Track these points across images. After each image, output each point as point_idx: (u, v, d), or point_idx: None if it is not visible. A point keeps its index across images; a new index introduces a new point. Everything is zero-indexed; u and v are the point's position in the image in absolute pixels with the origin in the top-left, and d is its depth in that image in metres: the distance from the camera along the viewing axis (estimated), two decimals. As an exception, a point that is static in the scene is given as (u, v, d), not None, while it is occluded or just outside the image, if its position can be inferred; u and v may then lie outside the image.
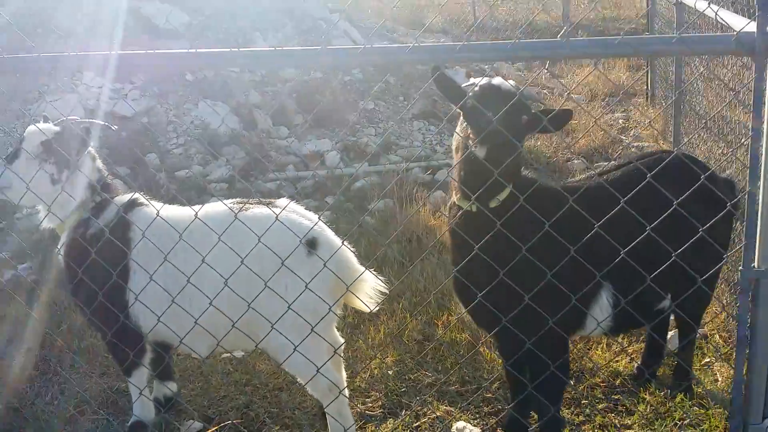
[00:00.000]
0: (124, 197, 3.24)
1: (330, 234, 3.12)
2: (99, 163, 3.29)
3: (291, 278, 2.82)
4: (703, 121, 5.97)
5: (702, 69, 6.16)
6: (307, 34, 10.63)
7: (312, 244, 2.97)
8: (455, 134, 2.73)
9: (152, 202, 3.28)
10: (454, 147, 2.76)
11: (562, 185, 2.99)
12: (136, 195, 3.27)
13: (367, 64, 2.35)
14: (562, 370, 2.78)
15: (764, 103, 2.01)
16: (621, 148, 7.66)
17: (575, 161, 7.29)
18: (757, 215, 2.15)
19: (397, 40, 12.33)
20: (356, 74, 9.85)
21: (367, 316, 3.96)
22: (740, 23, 2.31)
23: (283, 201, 3.19)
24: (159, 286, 2.92)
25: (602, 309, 2.82)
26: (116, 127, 3.28)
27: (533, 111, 2.62)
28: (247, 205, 3.09)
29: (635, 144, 7.82)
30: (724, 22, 2.99)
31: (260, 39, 10.16)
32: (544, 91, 10.12)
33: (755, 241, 2.17)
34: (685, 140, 6.23)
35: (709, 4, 4.46)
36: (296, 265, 2.87)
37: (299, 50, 2.39)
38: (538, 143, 7.64)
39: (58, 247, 3.20)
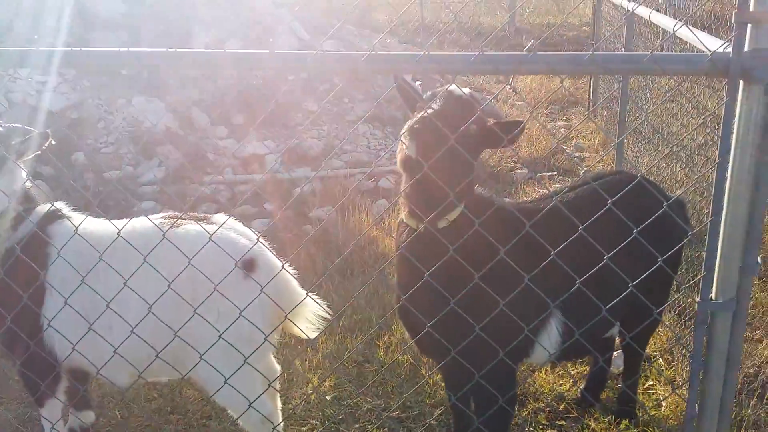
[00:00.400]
0: (43, 208, 2.93)
1: (270, 255, 2.91)
2: (19, 173, 2.96)
3: (224, 304, 2.61)
4: (639, 133, 6.02)
5: (643, 81, 6.21)
6: (250, 28, 10.29)
7: (249, 265, 2.76)
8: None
9: (74, 214, 2.98)
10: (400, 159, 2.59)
11: (517, 206, 2.85)
12: (56, 206, 2.96)
13: (324, 71, 2.15)
14: (509, 402, 2.66)
15: (733, 130, 1.91)
16: (564, 158, 7.68)
17: (519, 171, 7.26)
18: (717, 245, 2.06)
19: (345, 39, 12.11)
20: (303, 74, 9.60)
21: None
22: (707, 40, 2.22)
23: (219, 217, 2.96)
24: (76, 310, 2.65)
25: (551, 338, 2.71)
26: (53, 142, 2.98)
27: (487, 122, 2.47)
28: (179, 221, 2.85)
29: (577, 154, 7.86)
30: (691, 38, 2.92)
31: (201, 32, 9.78)
32: (488, 96, 10.10)
33: (713, 273, 2.08)
34: (628, 153, 6.27)
35: (680, 20, 4.44)
36: (231, 289, 2.65)
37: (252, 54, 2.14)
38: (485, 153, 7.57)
39: None
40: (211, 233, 2.54)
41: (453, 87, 2.43)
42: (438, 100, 2.34)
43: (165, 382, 3.56)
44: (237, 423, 2.92)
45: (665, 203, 2.11)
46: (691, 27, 2.44)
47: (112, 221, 2.93)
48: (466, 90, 2.50)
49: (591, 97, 9.31)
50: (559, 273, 2.41)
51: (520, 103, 10.32)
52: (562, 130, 8.97)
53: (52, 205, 2.96)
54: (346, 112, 8.94)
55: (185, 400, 3.48)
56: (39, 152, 2.94)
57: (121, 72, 8.47)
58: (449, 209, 2.41)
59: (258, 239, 2.60)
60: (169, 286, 2.45)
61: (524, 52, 2.05)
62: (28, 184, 2.97)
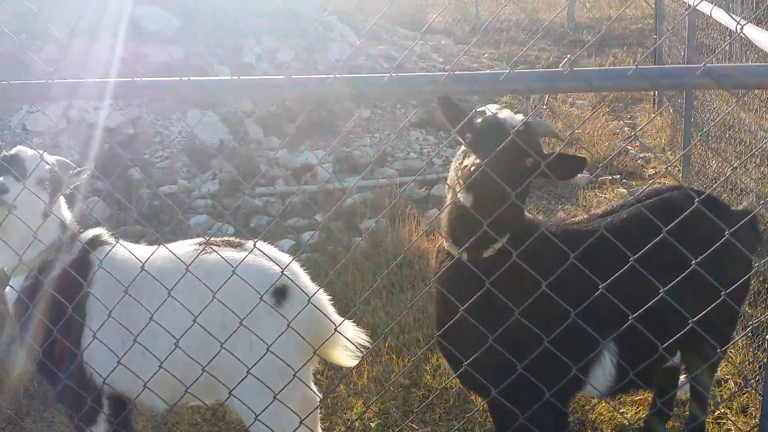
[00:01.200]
0: (88, 234, 2.93)
1: (304, 280, 2.80)
2: (64, 203, 2.99)
3: (258, 333, 2.51)
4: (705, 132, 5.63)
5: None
6: (302, 38, 10.29)
7: (281, 293, 2.65)
8: (451, 169, 2.40)
9: (116, 240, 2.95)
10: (447, 184, 2.43)
11: (568, 229, 2.64)
12: (100, 231, 2.96)
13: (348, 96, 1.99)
14: None
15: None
16: (628, 160, 7.31)
17: (579, 175, 6.93)
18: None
19: (396, 42, 11.99)
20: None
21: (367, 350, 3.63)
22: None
23: (251, 243, 2.86)
24: (118, 330, 2.60)
25: (605, 371, 2.49)
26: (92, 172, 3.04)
27: (544, 153, 2.27)
28: (213, 246, 2.76)
29: (642, 155, 7.47)
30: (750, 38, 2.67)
31: (253, 43, 9.85)
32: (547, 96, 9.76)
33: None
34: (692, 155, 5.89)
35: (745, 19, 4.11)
36: (263, 319, 2.56)
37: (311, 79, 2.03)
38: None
39: (12, 288, 2.84)
40: (241, 261, 2.45)
41: (505, 116, 2.25)
42: (491, 135, 2.15)
43: (210, 407, 3.51)
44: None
45: (727, 231, 1.84)
46: (743, 22, 2.15)
47: (161, 244, 2.84)
48: (519, 117, 2.31)
49: (656, 93, 8.87)
50: (613, 303, 2.21)
51: (581, 101, 9.95)
52: (625, 129, 8.57)
53: (96, 231, 2.97)
54: (399, 118, 8.81)
55: (228, 425, 3.41)
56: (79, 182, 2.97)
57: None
58: (495, 238, 2.25)
59: (284, 269, 2.43)
60: (194, 320, 2.36)
61: (560, 68, 1.86)
62: (69, 213, 2.98)
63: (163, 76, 2.13)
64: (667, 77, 1.82)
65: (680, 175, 6.18)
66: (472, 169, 2.10)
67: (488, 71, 2.11)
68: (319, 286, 2.70)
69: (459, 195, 2.18)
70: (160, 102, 8.16)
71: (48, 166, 2.78)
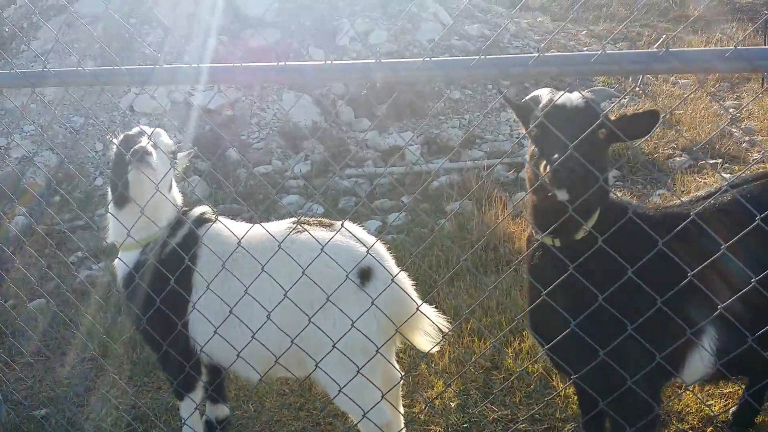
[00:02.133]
0: (195, 211, 3.13)
1: (388, 262, 2.88)
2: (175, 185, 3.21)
3: (341, 312, 2.62)
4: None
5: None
6: (395, 18, 10.33)
7: (366, 275, 2.75)
8: (528, 155, 2.40)
9: (219, 218, 3.13)
10: (527, 173, 2.43)
11: (661, 211, 2.59)
12: (205, 209, 3.16)
13: (419, 80, 2.04)
14: (650, 424, 2.42)
15: None
16: (732, 143, 6.93)
17: (678, 158, 6.66)
18: None
19: (490, 21, 11.81)
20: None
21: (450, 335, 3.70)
22: None
23: (345, 223, 2.97)
24: (219, 302, 2.78)
25: (702, 357, 2.43)
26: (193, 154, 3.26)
27: (612, 119, 2.24)
28: (305, 226, 2.89)
29: (746, 138, 7.06)
30: None
31: (347, 25, 9.98)
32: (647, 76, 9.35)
33: None
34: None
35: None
36: (347, 298, 2.67)
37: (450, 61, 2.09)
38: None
39: (123, 261, 3.06)
40: (328, 240, 2.56)
41: (563, 100, 2.22)
42: (557, 125, 2.13)
43: (297, 378, 3.69)
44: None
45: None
46: None
47: (258, 223, 2.98)
48: (584, 95, 2.27)
49: (766, 72, 8.32)
50: (713, 286, 2.17)
51: (683, 80, 9.48)
52: (731, 110, 8.10)
53: (202, 209, 3.17)
54: (489, 99, 8.72)
55: (314, 396, 3.57)
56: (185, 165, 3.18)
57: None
58: (586, 217, 2.24)
59: (368, 249, 2.52)
60: (285, 294, 2.49)
61: (655, 49, 1.81)
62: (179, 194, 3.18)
63: (261, 60, 2.23)
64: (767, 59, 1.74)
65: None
66: (555, 166, 2.07)
67: (579, 52, 2.08)
68: (403, 267, 2.78)
69: (556, 193, 2.15)
70: (258, 85, 8.45)
71: (173, 146, 3.00)
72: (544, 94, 2.32)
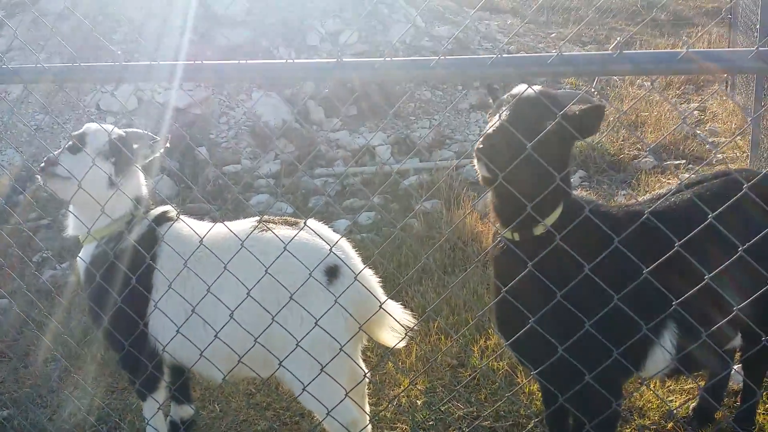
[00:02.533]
0: (157, 210, 3.09)
1: (354, 260, 2.90)
2: (142, 177, 3.15)
3: (309, 309, 2.62)
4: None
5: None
6: (366, 19, 10.34)
7: (332, 272, 2.75)
8: None
9: (181, 217, 3.10)
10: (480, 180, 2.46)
11: (622, 208, 2.65)
12: (167, 208, 3.13)
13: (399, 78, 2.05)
14: (611, 418, 2.47)
15: None
16: (696, 144, 7.07)
17: (643, 159, 6.78)
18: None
19: (461, 23, 11.88)
20: (414, 61, 9.52)
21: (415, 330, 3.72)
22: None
23: (310, 222, 2.96)
24: (181, 301, 2.76)
25: (663, 352, 2.49)
26: (168, 145, 3.18)
27: (560, 113, 2.28)
28: (269, 225, 2.88)
29: (711, 139, 7.22)
30: None
31: (318, 24, 9.97)
32: (614, 78, 9.49)
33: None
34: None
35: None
36: (314, 295, 2.67)
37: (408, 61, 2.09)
38: (603, 138, 7.14)
39: (81, 257, 3.04)
40: (292, 238, 2.57)
41: (517, 89, 2.26)
42: (504, 109, 2.18)
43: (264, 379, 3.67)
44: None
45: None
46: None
47: (221, 222, 2.96)
48: (536, 87, 2.31)
49: (727, 75, 8.50)
50: (673, 280, 2.22)
51: (648, 83, 9.65)
52: (695, 112, 8.27)
53: (164, 208, 3.12)
54: (459, 100, 8.78)
55: (281, 396, 3.56)
56: (156, 156, 3.12)
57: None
58: (545, 213, 2.26)
59: (332, 246, 2.51)
60: (248, 293, 2.49)
61: (610, 51, 1.85)
62: (145, 188, 3.13)
63: (231, 58, 2.22)
64: (717, 61, 1.79)
65: (748, 160, 5.97)
66: (481, 140, 2.08)
67: (535, 54, 2.11)
68: (370, 265, 2.80)
69: (476, 168, 2.15)
70: (227, 83, 8.40)
71: (106, 140, 2.92)
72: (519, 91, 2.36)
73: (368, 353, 3.77)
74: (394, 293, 2.76)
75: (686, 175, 6.21)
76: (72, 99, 7.89)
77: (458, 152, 7.24)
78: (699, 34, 11.60)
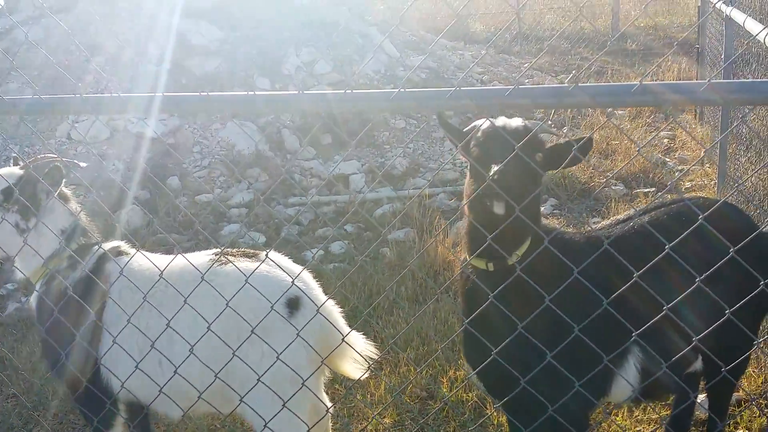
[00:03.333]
0: (106, 245, 3.03)
1: (316, 291, 2.87)
2: (73, 204, 3.04)
3: (271, 343, 2.58)
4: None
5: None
6: (341, 49, 10.43)
7: (294, 304, 2.72)
8: (466, 183, 2.44)
9: (135, 250, 3.05)
10: (464, 197, 2.45)
11: (584, 235, 2.67)
12: (118, 243, 3.07)
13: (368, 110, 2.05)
14: None
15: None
16: (665, 172, 7.18)
17: (614, 187, 6.85)
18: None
19: (436, 53, 12.03)
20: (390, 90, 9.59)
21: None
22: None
23: (270, 253, 2.93)
24: (137, 338, 2.70)
25: (630, 376, 2.48)
26: (84, 164, 3.06)
27: (549, 145, 2.32)
28: (229, 257, 2.85)
29: (680, 167, 7.33)
30: None
31: (292, 55, 10.03)
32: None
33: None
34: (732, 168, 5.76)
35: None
36: (275, 329, 2.63)
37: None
38: (574, 168, 7.22)
39: (30, 298, 3.00)
40: (253, 271, 2.55)
41: (502, 122, 2.29)
42: (497, 142, 2.19)
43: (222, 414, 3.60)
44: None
45: (732, 249, 1.83)
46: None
47: (179, 255, 2.92)
48: (515, 121, 2.34)
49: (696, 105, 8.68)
50: (636, 306, 2.24)
51: (620, 111, 9.81)
52: (665, 140, 8.41)
53: (115, 242, 3.06)
54: (433, 128, 8.84)
55: (245, 431, 3.49)
56: (65, 181, 2.97)
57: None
58: (519, 243, 2.29)
59: (294, 279, 2.48)
60: (208, 328, 2.46)
61: (565, 84, 1.88)
62: (79, 221, 3.00)
63: (206, 87, 2.22)
64: (674, 92, 1.81)
65: (716, 189, 6.06)
66: (496, 177, 2.11)
67: (494, 87, 2.14)
68: (341, 295, 2.77)
69: (494, 207, 2.18)
70: (202, 113, 8.39)
71: (4, 185, 2.80)
72: (482, 121, 2.38)
73: (336, 386, 3.73)
74: (358, 324, 2.74)
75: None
76: (43, 128, 7.82)
77: (432, 180, 7.27)
78: (668, 64, 11.85)
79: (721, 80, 1.76)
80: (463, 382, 3.66)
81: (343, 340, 2.43)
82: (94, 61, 9.14)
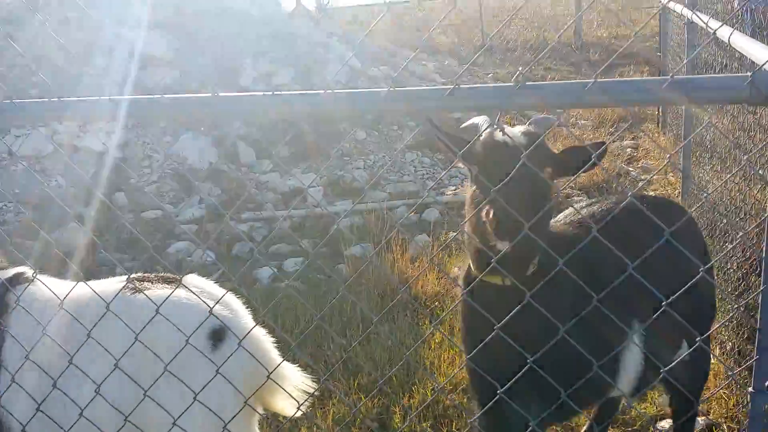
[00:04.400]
0: (7, 272, 2.69)
1: (244, 320, 2.57)
2: None
3: (190, 381, 2.28)
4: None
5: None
6: (300, 60, 10.17)
7: (218, 335, 2.43)
8: (468, 189, 2.19)
9: (42, 277, 2.72)
10: (466, 205, 2.18)
11: (565, 230, 2.50)
12: (22, 269, 2.73)
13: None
14: None
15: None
16: (629, 181, 7.05)
17: (576, 198, 6.69)
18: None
19: (398, 64, 11.85)
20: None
21: (317, 396, 3.39)
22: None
23: (191, 278, 2.63)
24: (37, 376, 2.38)
25: (636, 365, 2.35)
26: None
27: (556, 153, 2.09)
28: (144, 284, 2.54)
29: (643, 177, 7.20)
30: (742, 51, 2.46)
31: (250, 66, 9.74)
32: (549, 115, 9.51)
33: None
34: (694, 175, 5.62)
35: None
36: (197, 364, 2.34)
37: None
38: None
39: None
40: (173, 298, 2.26)
41: (503, 137, 2.01)
42: (500, 165, 1.93)
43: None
44: None
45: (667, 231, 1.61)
46: (730, 30, 1.94)
47: (87, 282, 2.62)
48: (517, 130, 2.09)
49: (660, 112, 8.62)
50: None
51: (583, 121, 9.71)
52: (628, 150, 8.30)
53: (18, 269, 2.72)
54: (394, 140, 8.62)
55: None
56: None
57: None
58: (535, 256, 2.08)
59: (211, 308, 2.19)
60: (115, 365, 2.16)
61: (512, 83, 1.64)
62: None
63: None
64: (633, 91, 1.59)
65: (680, 197, 5.93)
66: (491, 218, 1.87)
67: (432, 87, 1.91)
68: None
69: (497, 243, 1.95)
70: (152, 125, 8.04)
71: None
72: (481, 122, 2.14)
73: (281, 418, 3.42)
74: (289, 353, 2.46)
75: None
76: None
77: (392, 193, 7.02)
78: (630, 74, 11.85)
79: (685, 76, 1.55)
80: (417, 410, 3.39)
81: (268, 377, 2.14)
82: (41, 73, 8.75)
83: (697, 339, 1.82)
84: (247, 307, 2.64)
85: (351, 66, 10.62)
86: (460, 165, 2.18)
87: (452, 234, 5.94)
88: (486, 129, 2.09)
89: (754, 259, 4.28)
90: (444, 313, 4.22)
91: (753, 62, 2.47)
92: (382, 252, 5.33)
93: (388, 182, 7.38)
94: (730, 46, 3.00)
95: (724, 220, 4.63)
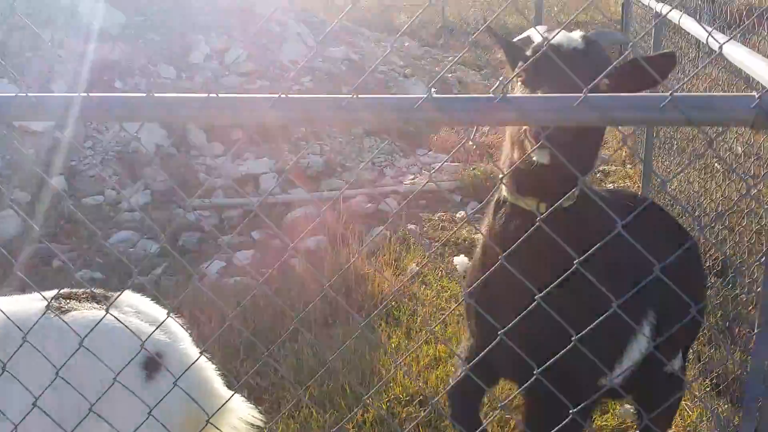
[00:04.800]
0: None
1: (183, 344, 2.31)
2: None
3: (121, 416, 2.03)
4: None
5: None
6: (256, 37, 9.76)
7: (153, 365, 2.16)
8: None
9: None
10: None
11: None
12: None
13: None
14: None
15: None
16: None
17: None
18: None
19: (357, 44, 11.52)
20: (306, 82, 9.04)
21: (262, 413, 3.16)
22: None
23: (125, 296, 2.34)
24: None
25: (635, 358, 2.24)
26: None
27: (618, 65, 1.89)
28: (71, 303, 2.25)
29: (601, 168, 7.13)
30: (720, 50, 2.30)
31: (202, 42, 9.29)
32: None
33: None
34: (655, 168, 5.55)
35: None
36: (128, 398, 2.08)
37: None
38: (484, 166, 6.87)
39: None
40: (104, 322, 1.99)
41: (560, 39, 1.86)
42: (551, 70, 1.76)
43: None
44: None
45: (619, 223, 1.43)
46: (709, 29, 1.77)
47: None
48: (576, 34, 1.91)
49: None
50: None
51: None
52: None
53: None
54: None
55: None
56: None
57: (114, 84, 7.99)
58: (574, 183, 1.86)
59: (143, 341, 1.91)
60: (34, 403, 1.88)
61: (423, 95, 1.43)
62: None
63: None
64: (542, 109, 1.37)
65: (640, 190, 5.85)
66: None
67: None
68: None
69: (537, 152, 1.77)
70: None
71: None
72: (537, 32, 1.97)
73: (226, 433, 3.19)
74: (252, 357, 2.22)
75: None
76: None
77: (349, 181, 6.78)
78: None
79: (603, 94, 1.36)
80: (372, 426, 3.20)
81: (208, 421, 1.90)
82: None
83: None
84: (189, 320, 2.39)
85: (307, 45, 10.26)
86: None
87: (410, 226, 5.75)
88: (543, 34, 1.94)
89: (716, 258, 4.22)
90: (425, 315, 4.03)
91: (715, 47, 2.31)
92: (339, 245, 5.10)
93: (346, 169, 7.13)
94: (710, 46, 2.85)
95: (685, 214, 4.58)
